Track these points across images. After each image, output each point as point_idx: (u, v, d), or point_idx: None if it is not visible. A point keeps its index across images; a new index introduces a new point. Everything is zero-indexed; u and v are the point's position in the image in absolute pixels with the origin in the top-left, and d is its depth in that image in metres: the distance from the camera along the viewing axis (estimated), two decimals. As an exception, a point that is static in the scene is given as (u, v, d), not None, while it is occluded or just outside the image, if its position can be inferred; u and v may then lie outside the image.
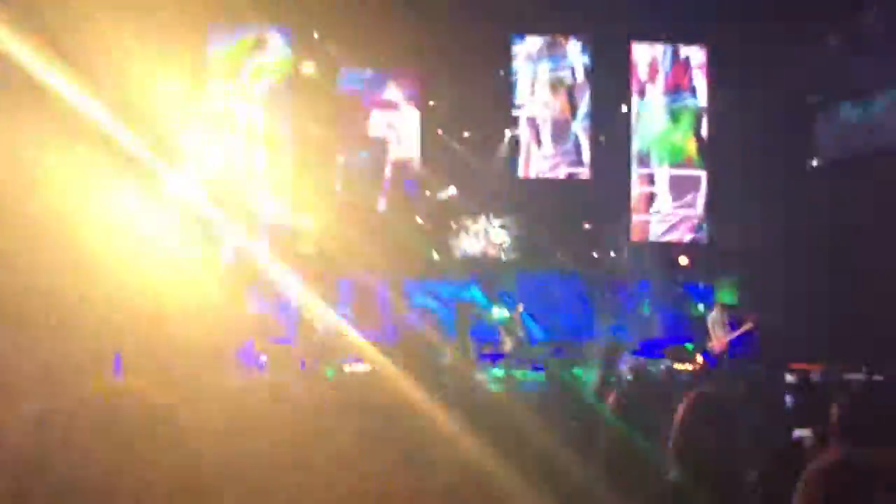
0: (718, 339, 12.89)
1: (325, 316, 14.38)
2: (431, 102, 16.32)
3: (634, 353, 14.99)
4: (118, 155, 12.76)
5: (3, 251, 9.39)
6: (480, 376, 12.97)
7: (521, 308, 14.12)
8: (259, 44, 15.68)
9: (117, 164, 12.74)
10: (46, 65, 10.82)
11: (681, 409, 2.44)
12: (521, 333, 13.88)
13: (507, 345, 13.58)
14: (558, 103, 16.63)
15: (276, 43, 15.73)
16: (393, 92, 16.29)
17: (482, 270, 16.40)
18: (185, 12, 13.66)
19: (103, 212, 11.94)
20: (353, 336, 14.97)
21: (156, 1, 13.04)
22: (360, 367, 13.19)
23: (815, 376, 9.97)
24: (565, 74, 16.64)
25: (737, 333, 12.85)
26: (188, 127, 14.98)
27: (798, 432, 3.74)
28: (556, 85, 16.61)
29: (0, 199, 9.43)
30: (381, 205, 16.35)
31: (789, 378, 9.98)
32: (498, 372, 13.40)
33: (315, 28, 15.52)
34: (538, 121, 16.61)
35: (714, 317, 13.12)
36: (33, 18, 10.69)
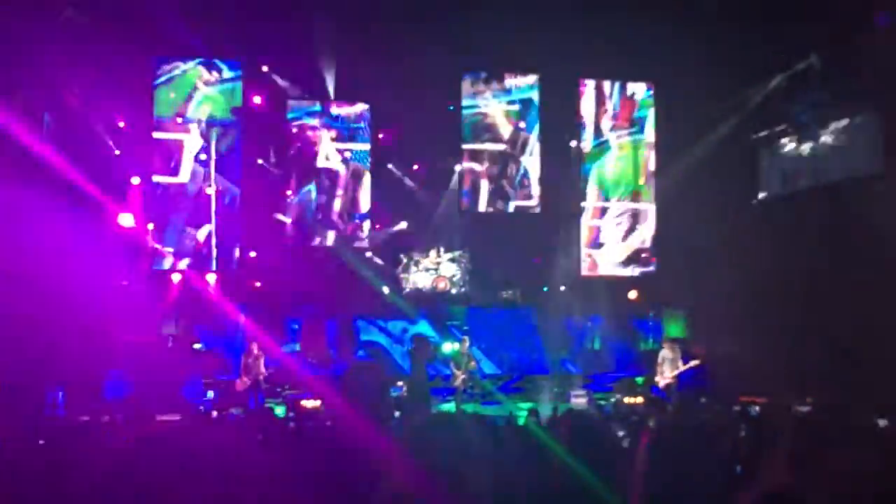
0: (664, 376, 12.91)
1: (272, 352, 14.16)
2: (381, 135, 16.28)
3: (585, 386, 14.97)
4: (63, 187, 12.50)
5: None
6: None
7: (468, 342, 14.00)
8: (206, 75, 15.51)
9: (63, 196, 12.47)
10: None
11: (640, 443, 2.38)
12: (471, 367, 13.73)
13: (458, 379, 13.42)
14: (507, 138, 16.71)
15: (224, 75, 15.58)
16: (341, 125, 16.21)
17: (431, 304, 16.31)
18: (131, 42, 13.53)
19: (50, 246, 11.63)
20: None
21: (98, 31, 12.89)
22: (311, 403, 12.94)
23: (762, 408, 10.01)
24: (514, 109, 16.75)
25: (684, 369, 12.88)
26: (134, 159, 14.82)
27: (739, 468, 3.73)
28: (505, 120, 16.72)
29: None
30: (330, 239, 16.19)
31: (736, 410, 10.02)
32: (449, 406, 13.24)
33: (263, 60, 15.43)
34: (486, 155, 16.66)
35: (665, 354, 13.11)
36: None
